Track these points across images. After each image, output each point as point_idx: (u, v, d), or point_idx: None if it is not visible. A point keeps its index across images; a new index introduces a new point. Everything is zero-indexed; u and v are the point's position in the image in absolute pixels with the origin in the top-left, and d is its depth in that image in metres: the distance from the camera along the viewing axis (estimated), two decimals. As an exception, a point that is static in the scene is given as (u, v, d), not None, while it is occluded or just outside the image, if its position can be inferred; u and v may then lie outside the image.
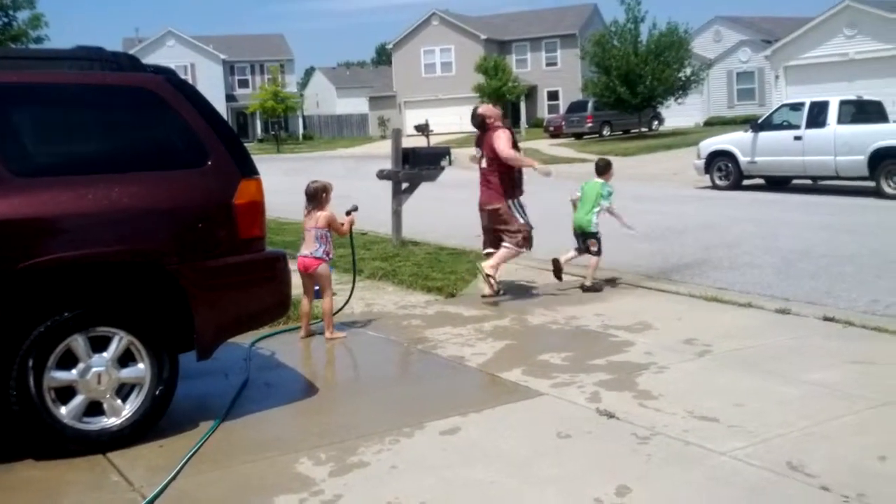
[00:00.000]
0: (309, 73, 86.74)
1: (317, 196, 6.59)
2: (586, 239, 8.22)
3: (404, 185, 10.76)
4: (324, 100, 75.37)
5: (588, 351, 5.95)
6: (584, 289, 7.96)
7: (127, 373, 4.41)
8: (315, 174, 8.62)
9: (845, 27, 31.29)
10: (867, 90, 21.38)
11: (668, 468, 3.95)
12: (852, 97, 17.73)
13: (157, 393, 4.45)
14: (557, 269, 8.16)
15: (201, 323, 4.52)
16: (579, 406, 4.82)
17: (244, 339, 5.94)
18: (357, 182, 14.20)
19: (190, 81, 5.58)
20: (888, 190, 15.17)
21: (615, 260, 9.62)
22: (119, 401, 4.39)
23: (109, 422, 4.36)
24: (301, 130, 62.14)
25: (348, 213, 6.90)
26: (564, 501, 3.67)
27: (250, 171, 4.76)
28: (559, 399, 4.96)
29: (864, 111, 17.02)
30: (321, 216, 6.53)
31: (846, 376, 5.16)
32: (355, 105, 68.83)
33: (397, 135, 11.35)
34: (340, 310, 7.03)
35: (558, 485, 3.82)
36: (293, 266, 5.62)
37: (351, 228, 6.91)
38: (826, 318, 6.55)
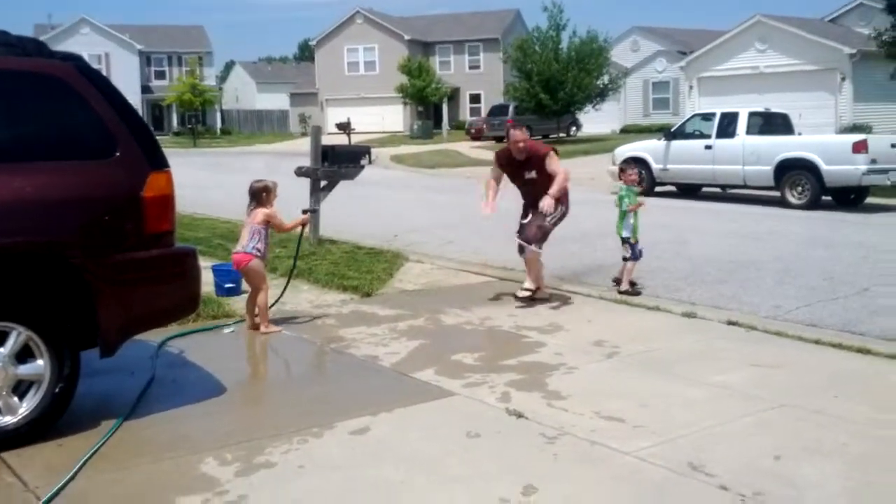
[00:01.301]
0: (229, 66, 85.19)
1: (258, 195, 6.70)
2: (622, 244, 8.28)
3: (323, 183, 10.66)
4: (243, 94, 74.15)
5: (500, 351, 6.01)
6: (619, 292, 7.95)
7: (25, 369, 4.25)
8: (233, 170, 8.51)
9: (757, 41, 32.41)
10: (776, 103, 22.20)
11: (574, 467, 4.02)
12: (760, 109, 18.38)
13: (56, 390, 4.30)
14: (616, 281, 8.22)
15: (105, 319, 4.38)
16: (489, 406, 4.86)
17: (154, 337, 5.79)
18: (276, 178, 13.93)
19: (104, 71, 5.43)
20: (792, 200, 15.77)
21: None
22: (16, 398, 4.23)
23: (4, 420, 4.19)
24: (219, 125, 60.95)
25: (305, 213, 7.23)
26: (471, 501, 3.70)
27: (160, 164, 4.64)
28: (470, 399, 4.99)
29: (771, 123, 17.67)
30: (259, 212, 6.63)
31: (747, 378, 5.35)
32: (276, 101, 67.94)
33: (317, 132, 11.24)
34: (272, 305, 6.94)
35: (466, 484, 3.84)
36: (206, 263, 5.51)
37: (303, 229, 7.28)
38: (730, 322, 6.78)
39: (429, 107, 50.51)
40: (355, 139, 35.63)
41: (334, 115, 50.18)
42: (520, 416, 4.66)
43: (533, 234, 7.73)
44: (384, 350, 6.04)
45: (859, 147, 14.93)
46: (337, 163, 10.62)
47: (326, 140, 11.45)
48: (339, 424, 4.54)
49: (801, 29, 31.56)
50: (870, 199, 16.33)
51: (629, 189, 8.59)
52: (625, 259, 8.25)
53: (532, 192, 7.91)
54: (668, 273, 9.16)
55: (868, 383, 5.26)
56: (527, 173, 7.92)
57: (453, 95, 53.50)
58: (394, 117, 53.28)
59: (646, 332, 6.58)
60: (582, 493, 3.76)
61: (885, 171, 15.04)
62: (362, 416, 4.65)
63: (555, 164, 7.89)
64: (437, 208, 16.53)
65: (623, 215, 8.45)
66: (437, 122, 49.14)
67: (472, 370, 5.55)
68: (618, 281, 8.24)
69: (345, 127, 39.14)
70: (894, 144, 15.62)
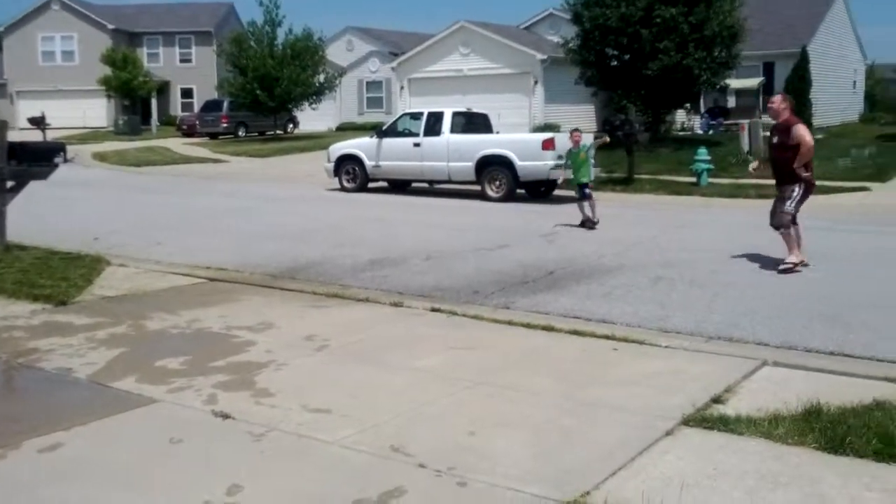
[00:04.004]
0: None
1: None
2: None
3: (10, 184, 9.74)
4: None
5: (208, 353, 5.88)
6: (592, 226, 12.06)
7: None
8: None
9: (460, 46, 34.27)
10: (478, 103, 23.61)
11: (280, 462, 4.05)
12: (463, 109, 19.48)
13: None
14: None
15: None
16: (195, 410, 4.75)
17: None
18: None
19: None
20: (491, 193, 16.91)
21: (243, 261, 9.64)
22: None
23: None
24: None
25: None
26: (173, 507, 3.61)
27: None
28: (174, 404, 4.84)
29: (473, 122, 18.80)
30: None
31: (448, 361, 5.69)
32: (-45, 92, 60.66)
33: (2, 127, 10.22)
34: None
35: (168, 491, 3.73)
36: None
37: None
38: (433, 309, 7.16)
39: (136, 101, 47.67)
40: (52, 135, 32.72)
41: (27, 109, 45.77)
42: (226, 416, 4.61)
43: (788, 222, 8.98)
44: (80, 361, 5.67)
45: (547, 145, 16.33)
46: (26, 161, 9.76)
47: (17, 136, 10.47)
48: (27, 443, 4.21)
49: (500, 35, 33.84)
50: (557, 192, 17.90)
51: (582, 147, 12.99)
52: (586, 198, 12.38)
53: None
54: (379, 264, 9.45)
55: (552, 358, 5.80)
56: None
57: (163, 89, 51.05)
58: (97, 112, 49.71)
59: (356, 323, 6.76)
60: (288, 486, 3.81)
61: (569, 167, 16.56)
62: (54, 431, 4.35)
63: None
64: (144, 208, 15.73)
65: (584, 164, 12.69)
66: (146, 118, 46.63)
67: (178, 375, 5.39)
68: (588, 221, 12.28)
69: (38, 122, 35.77)
70: (577, 142, 17.26)
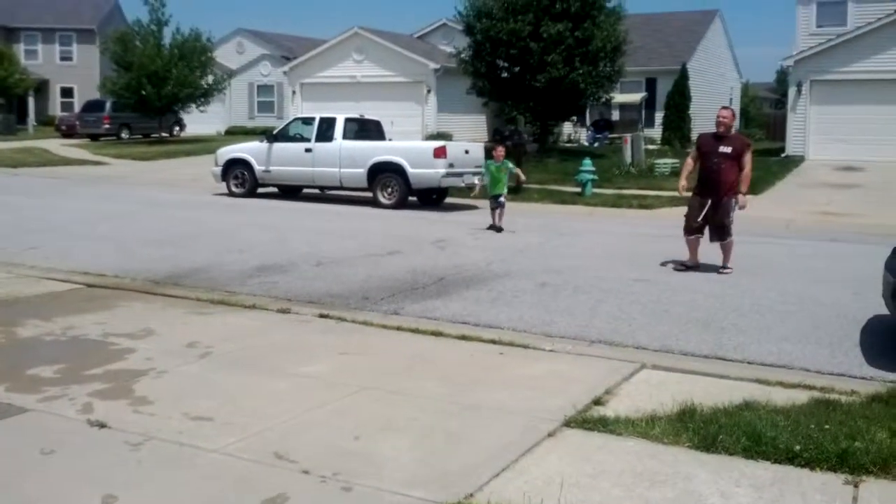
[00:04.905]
0: None
1: None
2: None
3: None
4: None
5: (84, 361, 5.65)
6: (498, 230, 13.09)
7: None
8: None
9: (354, 52, 34.18)
10: (372, 110, 23.58)
11: (159, 471, 3.93)
12: (356, 116, 19.41)
13: None
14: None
15: None
16: (69, 419, 4.56)
17: None
18: None
19: None
20: (383, 200, 16.92)
21: (124, 267, 9.32)
22: None
23: None
24: None
25: None
26: (42, 520, 3.45)
27: None
28: (46, 413, 4.63)
29: (365, 129, 18.76)
30: None
31: (334, 367, 5.65)
32: None
33: None
34: None
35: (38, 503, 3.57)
36: None
37: None
38: (322, 315, 7.11)
39: (12, 99, 45.37)
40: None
41: None
42: (102, 425, 4.44)
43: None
44: (-57, 370, 5.35)
45: (439, 153, 16.47)
46: None
47: None
48: None
49: (394, 43, 33.94)
50: (448, 199, 18.11)
51: (503, 162, 13.86)
52: (500, 206, 13.40)
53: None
54: (268, 271, 9.30)
55: (439, 362, 5.84)
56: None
57: (42, 88, 48.77)
58: (-33, 111, 47.04)
59: (241, 330, 6.63)
60: (165, 496, 3.69)
61: (460, 175, 16.79)
62: (-90, 445, 4.09)
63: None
64: (18, 211, 14.99)
65: (500, 180, 13.56)
66: (22, 117, 44.43)
67: (51, 383, 5.15)
68: (497, 228, 13.22)
69: None
70: (468, 151, 17.50)
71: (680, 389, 5.15)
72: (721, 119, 9.82)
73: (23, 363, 5.57)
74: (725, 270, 9.63)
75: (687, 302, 8.08)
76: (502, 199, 13.61)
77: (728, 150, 9.54)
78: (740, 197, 9.59)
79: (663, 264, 10.03)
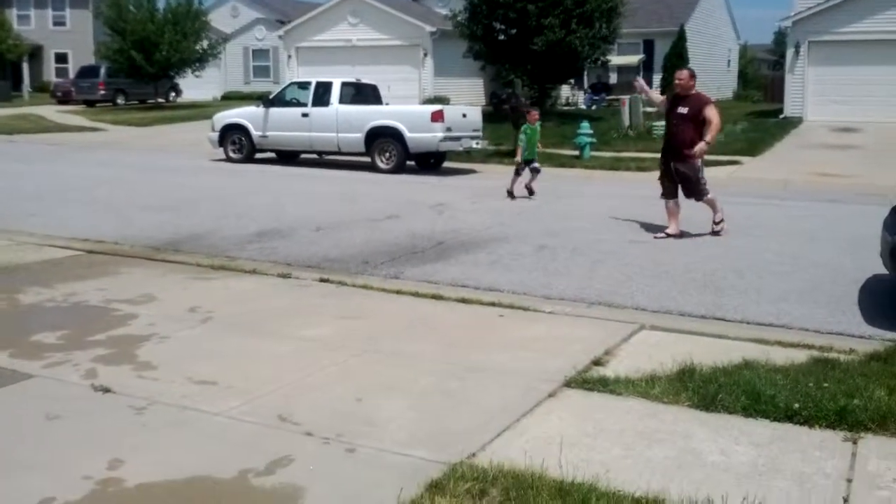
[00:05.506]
0: None
1: None
2: None
3: None
4: None
5: (87, 327, 5.67)
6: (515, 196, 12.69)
7: None
8: None
9: (349, 16, 33.83)
10: (368, 75, 23.39)
11: (164, 435, 3.97)
12: (353, 80, 19.27)
13: None
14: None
15: None
16: (73, 384, 4.59)
17: None
18: None
19: None
20: (381, 165, 16.88)
21: (123, 234, 9.32)
22: None
23: None
24: None
25: None
26: (50, 484, 3.48)
27: None
28: (50, 379, 4.66)
29: (362, 93, 18.63)
30: None
31: (335, 331, 5.68)
32: None
33: None
34: None
35: (44, 468, 3.60)
36: None
37: None
38: (322, 280, 7.12)
39: (6, 66, 44.98)
40: None
41: None
42: (107, 390, 4.48)
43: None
44: (-54, 336, 5.38)
45: (437, 116, 16.39)
46: None
47: None
48: None
49: (389, 6, 33.56)
50: (446, 164, 18.06)
51: (534, 126, 13.20)
52: (528, 172, 13.03)
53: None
54: (267, 236, 9.31)
55: (439, 325, 5.87)
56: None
57: (35, 54, 48.29)
58: (-39, 77, 46.67)
59: (242, 295, 6.66)
60: (171, 458, 3.73)
61: (458, 139, 16.74)
62: (-84, 411, 4.13)
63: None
64: (16, 179, 14.93)
65: (531, 144, 13.06)
66: (17, 84, 44.10)
67: (54, 349, 5.18)
68: (530, 190, 12.99)
69: None
70: (465, 115, 17.42)
71: (679, 349, 5.18)
72: (677, 80, 9.64)
73: (26, 330, 5.60)
74: (717, 227, 9.59)
75: (685, 263, 8.10)
76: (537, 163, 13.27)
77: (684, 111, 9.41)
78: (699, 146, 9.31)
79: (660, 227, 10.04)
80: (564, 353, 5.17)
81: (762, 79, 47.86)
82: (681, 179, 9.51)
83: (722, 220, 9.65)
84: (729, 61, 42.34)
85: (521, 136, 13.28)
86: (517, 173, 13.14)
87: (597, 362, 5.00)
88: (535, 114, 13.73)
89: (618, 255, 8.49)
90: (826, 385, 4.41)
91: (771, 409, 4.18)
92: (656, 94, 10.95)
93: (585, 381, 4.63)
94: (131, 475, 3.52)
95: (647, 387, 4.51)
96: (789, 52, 27.68)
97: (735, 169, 17.80)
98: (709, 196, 9.65)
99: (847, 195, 13.96)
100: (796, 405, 4.17)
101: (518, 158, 13.24)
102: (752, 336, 5.60)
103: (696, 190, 9.54)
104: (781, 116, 27.18)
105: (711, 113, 9.36)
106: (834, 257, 8.44)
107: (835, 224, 10.89)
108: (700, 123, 9.33)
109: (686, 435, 3.98)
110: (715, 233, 9.58)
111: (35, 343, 5.31)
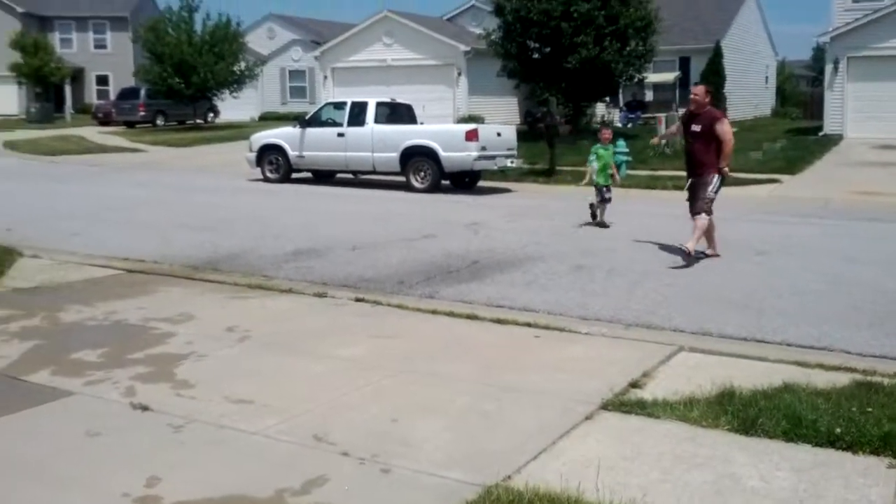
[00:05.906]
0: None
1: None
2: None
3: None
4: None
5: (126, 345, 5.75)
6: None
7: None
8: None
9: (384, 36, 34.12)
10: (402, 94, 23.54)
11: (201, 453, 4.00)
12: (387, 100, 19.38)
13: None
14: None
15: None
16: (112, 402, 4.65)
17: None
18: None
19: None
20: (416, 184, 16.93)
21: (162, 253, 9.44)
22: None
23: None
24: None
25: None
26: (89, 501, 3.53)
27: None
28: (91, 397, 4.73)
29: (397, 113, 18.73)
30: None
31: (370, 350, 5.69)
32: None
33: None
34: None
35: (84, 484, 3.65)
36: None
37: None
38: (358, 299, 7.15)
39: (49, 88, 46.02)
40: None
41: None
42: (145, 408, 4.53)
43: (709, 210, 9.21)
44: (-10, 354, 5.48)
45: (471, 136, 16.42)
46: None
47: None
48: (-67, 440, 4.06)
49: (423, 26, 33.82)
50: (481, 183, 18.07)
51: (606, 147, 11.86)
52: (607, 201, 11.80)
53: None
54: (303, 255, 9.37)
55: (474, 346, 5.86)
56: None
57: (78, 76, 49.40)
58: (7, 99, 47.78)
59: (278, 314, 6.70)
60: (209, 477, 3.76)
61: (492, 158, 16.73)
62: (-38, 428, 4.21)
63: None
64: (59, 199, 15.23)
65: (604, 167, 11.70)
66: (60, 106, 45.06)
67: (95, 367, 5.26)
68: (602, 224, 11.75)
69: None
70: (500, 133, 17.42)
71: (718, 372, 5.11)
72: (692, 97, 9.52)
73: (67, 348, 5.69)
74: (685, 247, 8.82)
75: (723, 284, 8.01)
76: (608, 192, 11.97)
77: (697, 128, 9.27)
78: (723, 171, 9.14)
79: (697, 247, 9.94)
80: (601, 374, 5.13)
81: (801, 95, 47.36)
82: (694, 195, 9.38)
83: (688, 249, 8.82)
84: (767, 78, 41.94)
85: (591, 157, 12.06)
86: (603, 198, 11.94)
87: (634, 384, 4.95)
88: (607, 132, 12.29)
89: (655, 275, 8.41)
90: (870, 410, 4.31)
91: (812, 433, 4.10)
92: (673, 127, 10.87)
93: (623, 404, 4.59)
94: (169, 493, 3.55)
95: (685, 410, 4.45)
96: (828, 68, 27.36)
97: (774, 187, 17.59)
98: (703, 220, 9.15)
99: (889, 214, 13.71)
100: (838, 430, 4.08)
101: (586, 180, 12.24)
102: (792, 359, 5.51)
103: (698, 206, 9.25)
104: (821, 134, 26.83)
105: (721, 129, 9.18)
106: (875, 277, 8.29)
107: (876, 243, 10.70)
108: (713, 139, 9.20)
109: (725, 459, 3.92)
110: (685, 252, 8.82)
111: (76, 361, 5.40)
